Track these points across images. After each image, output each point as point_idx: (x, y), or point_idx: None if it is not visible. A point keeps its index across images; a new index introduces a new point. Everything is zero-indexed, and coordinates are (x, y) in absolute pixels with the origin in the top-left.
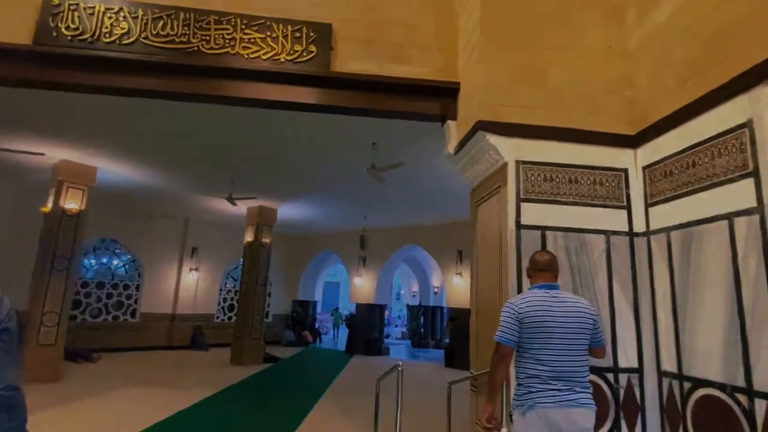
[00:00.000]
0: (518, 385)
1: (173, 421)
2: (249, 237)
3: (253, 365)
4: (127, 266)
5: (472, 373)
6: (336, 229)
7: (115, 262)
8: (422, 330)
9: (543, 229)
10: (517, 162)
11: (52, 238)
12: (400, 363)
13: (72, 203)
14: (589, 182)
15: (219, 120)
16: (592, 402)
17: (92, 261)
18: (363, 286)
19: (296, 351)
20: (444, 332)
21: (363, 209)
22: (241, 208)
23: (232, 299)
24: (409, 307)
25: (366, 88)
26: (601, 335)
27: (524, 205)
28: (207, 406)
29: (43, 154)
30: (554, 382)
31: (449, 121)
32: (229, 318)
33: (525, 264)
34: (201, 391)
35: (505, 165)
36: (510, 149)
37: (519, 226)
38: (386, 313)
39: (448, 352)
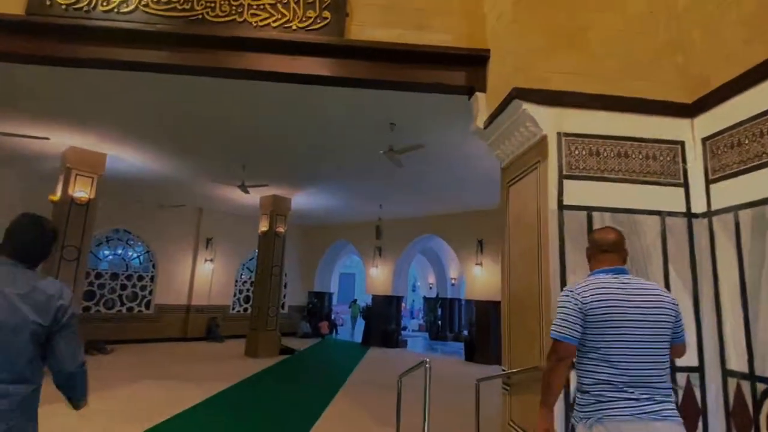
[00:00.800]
0: (582, 392)
1: (187, 416)
2: (263, 226)
3: (269, 357)
4: (141, 257)
5: (504, 369)
6: (351, 219)
7: (129, 252)
8: (439, 322)
9: (589, 209)
10: (559, 134)
11: (61, 227)
12: (427, 360)
13: (81, 191)
14: (640, 156)
15: (228, 103)
16: (677, 414)
17: (106, 252)
18: (379, 277)
19: (312, 343)
20: (463, 325)
21: (378, 198)
22: (255, 197)
23: (247, 290)
24: (426, 299)
25: (384, 58)
26: (682, 329)
27: (567, 183)
28: (221, 400)
29: (47, 138)
30: (630, 390)
31: (477, 93)
32: (245, 309)
33: (569, 248)
34: (215, 384)
35: (544, 138)
36: (550, 120)
37: (561, 206)
38: (402, 305)
39: (468, 345)
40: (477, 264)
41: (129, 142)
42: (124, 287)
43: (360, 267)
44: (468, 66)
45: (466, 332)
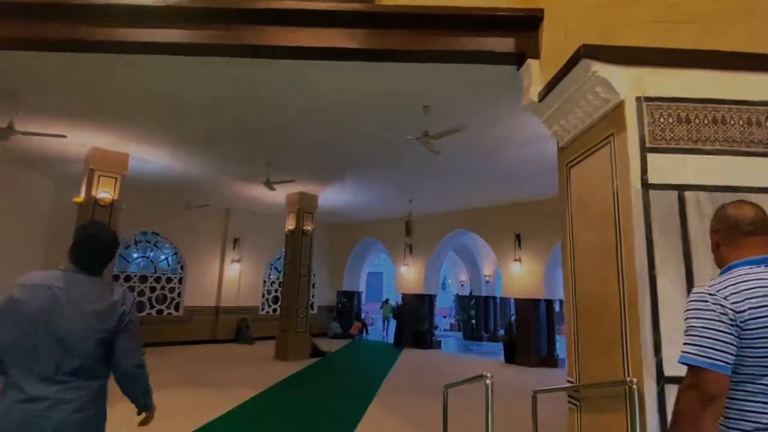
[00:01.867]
0: None
1: (216, 426)
2: (290, 225)
3: (300, 360)
4: (169, 258)
5: (570, 381)
6: (379, 216)
7: (158, 254)
8: (473, 321)
9: (680, 188)
10: (639, 99)
11: None
12: (488, 375)
13: (104, 192)
14: (741, 122)
15: (250, 97)
16: None
17: (134, 254)
18: (410, 275)
19: (343, 344)
20: (499, 324)
21: (409, 192)
22: (281, 195)
23: (276, 291)
24: (459, 297)
25: (419, 25)
26: None
27: (652, 158)
28: (250, 408)
29: (64, 136)
30: None
31: (530, 61)
32: (274, 311)
33: (657, 237)
34: (245, 391)
35: (621, 104)
36: (628, 82)
37: (646, 185)
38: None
39: (508, 346)
40: (515, 260)
41: (151, 141)
42: (153, 290)
43: (387, 265)
44: (517, 29)
45: (502, 332)
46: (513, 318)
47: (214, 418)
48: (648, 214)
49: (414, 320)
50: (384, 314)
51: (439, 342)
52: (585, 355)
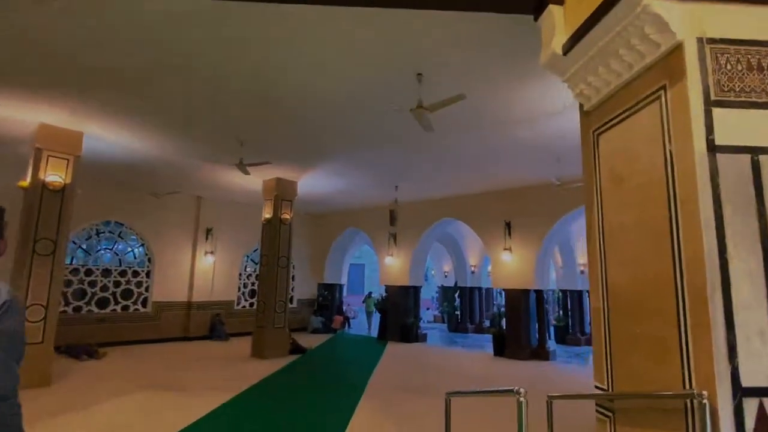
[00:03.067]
0: None
1: None
2: (267, 213)
3: (278, 358)
4: (135, 251)
5: (599, 387)
6: (362, 204)
7: (122, 246)
8: (458, 313)
9: (755, 151)
10: (701, 41)
11: (33, 217)
12: (522, 392)
13: (54, 176)
14: None
15: (219, 65)
16: None
17: (96, 246)
18: (394, 266)
19: (325, 339)
20: (485, 315)
21: (394, 178)
22: (257, 181)
23: (252, 284)
24: (443, 289)
25: None
26: None
27: (719, 113)
28: (223, 415)
29: None
30: None
31: (552, 7)
32: (251, 305)
33: (728, 213)
34: (217, 395)
35: (678, 47)
36: (687, 20)
37: (713, 147)
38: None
39: (498, 339)
40: (505, 249)
41: (109, 117)
42: (117, 284)
43: (370, 257)
44: None
45: (487, 323)
46: (502, 309)
47: (178, 430)
48: (715, 184)
49: (399, 313)
50: (367, 308)
51: (425, 335)
52: (621, 357)
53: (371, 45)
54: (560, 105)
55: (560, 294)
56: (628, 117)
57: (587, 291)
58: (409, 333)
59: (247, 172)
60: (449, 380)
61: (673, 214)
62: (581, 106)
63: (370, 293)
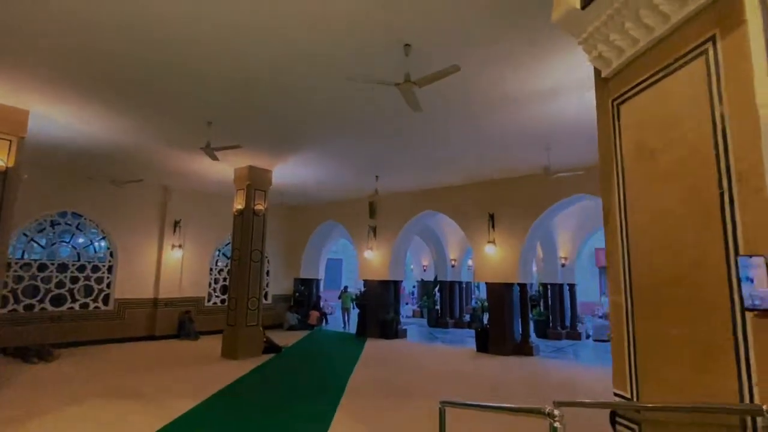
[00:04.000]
0: None
1: None
2: (239, 204)
3: (251, 358)
4: (96, 244)
5: (619, 395)
6: (341, 196)
7: (81, 239)
8: (438, 308)
9: None
10: None
11: None
12: (557, 415)
13: None
14: None
15: (182, 37)
16: None
17: (53, 239)
18: (374, 260)
19: (301, 336)
20: (465, 309)
21: (375, 168)
22: (228, 169)
23: (225, 280)
24: (423, 283)
25: None
26: None
27: None
28: (187, 426)
29: None
30: None
31: None
32: (223, 301)
33: None
34: (181, 402)
35: None
36: None
37: None
38: (402, 290)
39: (481, 334)
40: (489, 242)
41: (57, 94)
42: (75, 280)
43: (347, 251)
44: None
45: (467, 317)
46: (484, 303)
47: None
48: None
49: (378, 308)
50: (343, 304)
51: (405, 331)
52: (649, 361)
53: (351, 14)
54: (556, 83)
55: (541, 288)
56: (661, 79)
57: (568, 285)
58: (389, 329)
59: (215, 157)
60: (433, 380)
61: (727, 190)
62: (597, 73)
63: (346, 288)
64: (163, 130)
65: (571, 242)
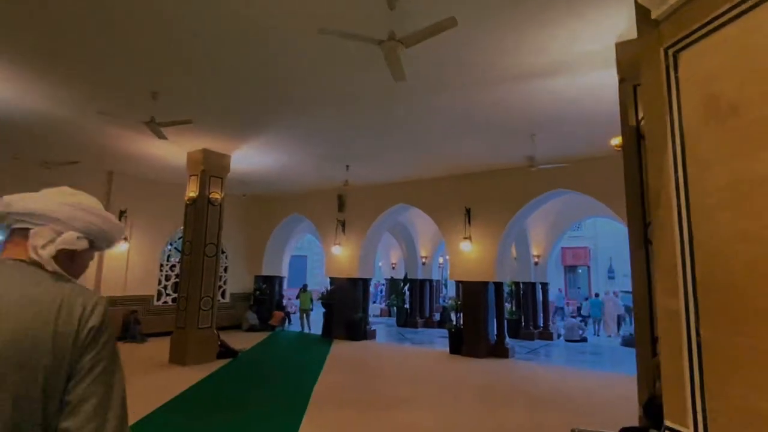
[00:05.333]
0: None
1: None
2: (191, 191)
3: (203, 364)
4: None
5: (672, 429)
6: (308, 187)
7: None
8: (407, 307)
9: None
10: None
11: None
12: None
13: None
14: None
15: None
16: None
17: None
18: (342, 256)
19: (262, 338)
20: (435, 308)
21: (345, 156)
22: (181, 153)
23: (177, 276)
24: (392, 281)
25: None
26: None
27: None
28: None
29: None
30: None
31: None
32: (175, 300)
33: None
34: None
35: None
36: None
37: None
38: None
39: (455, 335)
40: (465, 238)
41: None
42: None
43: (313, 248)
44: None
45: (437, 316)
46: (459, 302)
47: None
48: None
49: (346, 308)
50: (302, 305)
51: (374, 331)
52: (727, 385)
53: None
54: (553, 58)
55: (513, 286)
56: (740, 16)
57: (540, 283)
58: (357, 329)
59: (162, 135)
60: (409, 387)
61: None
62: (643, 15)
63: (305, 286)
64: (99, 101)
65: (544, 240)
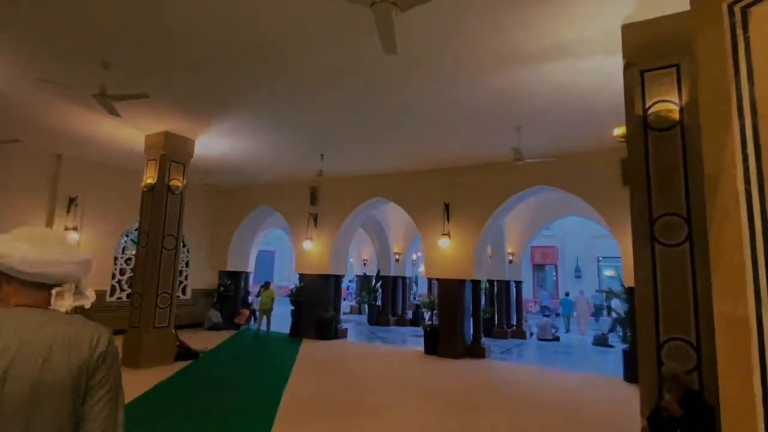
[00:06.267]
0: None
1: None
2: (149, 177)
3: (160, 366)
4: None
5: None
6: (279, 178)
7: None
8: (379, 305)
9: None
10: None
11: None
12: None
13: None
14: None
15: None
16: None
17: None
18: (314, 252)
19: (225, 337)
20: (408, 306)
21: (319, 145)
22: (139, 136)
23: (133, 270)
24: (364, 278)
25: None
26: None
27: None
28: None
29: None
30: None
31: None
32: (130, 296)
33: None
34: None
35: None
36: None
37: None
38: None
39: (431, 335)
40: (443, 234)
41: None
42: None
43: (281, 243)
44: None
45: (410, 314)
46: (434, 300)
47: None
48: None
49: (316, 305)
50: (262, 305)
51: (345, 330)
52: None
53: None
54: (559, 40)
55: (487, 284)
56: None
57: (515, 281)
58: (328, 328)
59: (114, 111)
60: (387, 392)
61: None
62: None
63: (268, 284)
64: (39, 67)
65: (519, 238)
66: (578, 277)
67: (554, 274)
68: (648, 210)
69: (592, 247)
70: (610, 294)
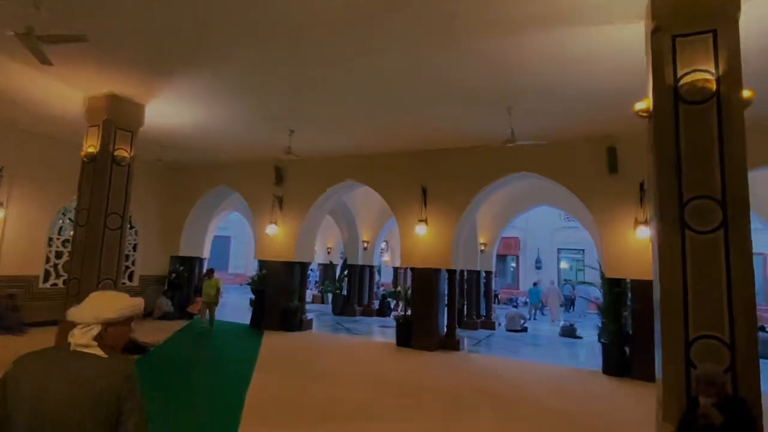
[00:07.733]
0: None
1: None
2: (90, 146)
3: None
4: None
5: None
6: (241, 154)
7: None
8: (344, 294)
9: None
10: None
11: None
12: None
13: None
14: None
15: None
16: None
17: None
18: (278, 237)
19: (177, 327)
20: (375, 295)
21: (288, 119)
22: (79, 97)
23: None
24: (328, 266)
25: None
26: None
27: None
28: None
29: None
30: None
31: None
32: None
33: None
34: None
35: None
36: None
37: None
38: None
39: (403, 327)
40: (420, 220)
41: None
42: None
43: (238, 228)
44: None
45: (376, 304)
46: (408, 290)
47: None
48: None
49: (279, 295)
50: (205, 297)
51: (311, 321)
52: None
53: None
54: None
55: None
56: None
57: (485, 271)
58: (292, 319)
59: (45, 59)
60: (362, 390)
61: None
62: None
63: (211, 271)
64: None
65: (492, 228)
66: (539, 268)
67: (513, 264)
68: (678, 193)
69: (554, 239)
70: (567, 283)
